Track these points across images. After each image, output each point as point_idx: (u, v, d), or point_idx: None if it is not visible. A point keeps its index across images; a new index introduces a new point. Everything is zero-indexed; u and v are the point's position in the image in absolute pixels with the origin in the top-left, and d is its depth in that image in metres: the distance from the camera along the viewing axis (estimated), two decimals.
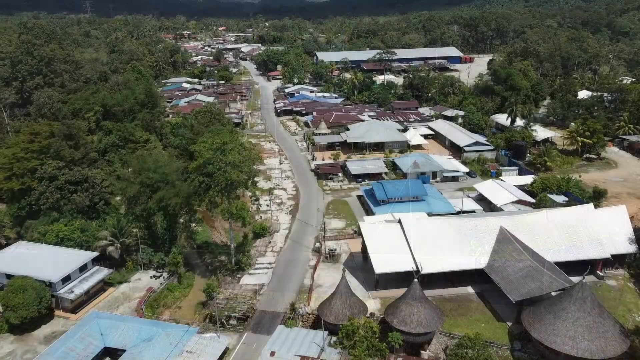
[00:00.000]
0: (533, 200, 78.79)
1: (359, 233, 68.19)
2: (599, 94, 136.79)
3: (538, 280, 51.03)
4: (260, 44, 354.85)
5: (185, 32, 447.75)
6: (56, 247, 60.54)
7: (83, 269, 57.96)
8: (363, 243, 63.84)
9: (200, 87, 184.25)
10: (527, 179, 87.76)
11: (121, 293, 59.76)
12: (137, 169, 64.48)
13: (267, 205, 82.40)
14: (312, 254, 68.54)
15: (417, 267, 55.20)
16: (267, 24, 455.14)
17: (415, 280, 49.03)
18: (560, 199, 78.63)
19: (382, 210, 75.89)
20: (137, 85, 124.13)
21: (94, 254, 59.64)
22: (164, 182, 62.45)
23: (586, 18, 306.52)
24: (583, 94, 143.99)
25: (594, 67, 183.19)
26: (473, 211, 77.50)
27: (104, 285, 60.13)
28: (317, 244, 69.94)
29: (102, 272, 59.15)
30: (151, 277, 62.92)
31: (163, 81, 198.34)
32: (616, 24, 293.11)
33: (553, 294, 50.04)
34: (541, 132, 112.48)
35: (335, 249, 67.01)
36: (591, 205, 64.26)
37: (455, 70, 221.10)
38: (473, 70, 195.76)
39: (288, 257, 68.22)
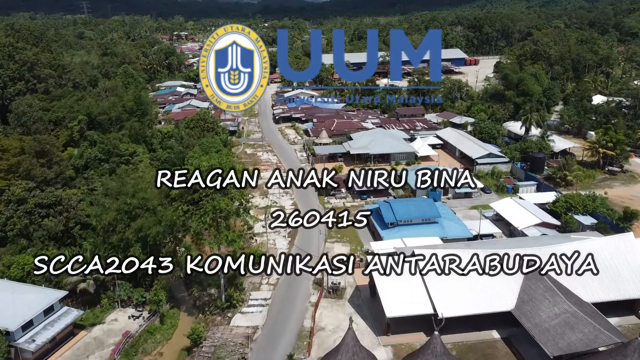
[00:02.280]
0: (558, 222, 71.07)
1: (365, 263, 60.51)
2: (617, 99, 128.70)
3: (580, 332, 43.32)
4: None
5: (183, 32, 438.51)
6: (19, 285, 52.38)
7: (49, 311, 50.18)
8: (371, 277, 56.15)
9: (195, 92, 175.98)
10: (548, 196, 79.76)
11: (93, 338, 51.92)
12: (114, 193, 56.77)
13: (263, 227, 74.65)
14: (312, 286, 60.99)
15: (435, 312, 47.67)
16: (266, 25, 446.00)
17: (436, 333, 41.44)
18: (588, 220, 71.05)
19: (390, 234, 68.20)
20: (126, 91, 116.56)
21: (62, 294, 51.69)
22: (144, 209, 54.79)
23: (593, 19, 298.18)
24: (597, 99, 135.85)
25: (606, 70, 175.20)
26: (492, 235, 69.96)
27: (73, 328, 52.43)
28: (319, 275, 62.18)
29: (71, 315, 51.35)
30: (129, 317, 55.17)
31: (157, 85, 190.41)
32: (624, 24, 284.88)
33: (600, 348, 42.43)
34: (559, 143, 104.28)
35: (339, 282, 59.43)
36: (631, 234, 56.50)
37: (460, 72, 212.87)
38: (479, 72, 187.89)
39: (286, 290, 60.60)
